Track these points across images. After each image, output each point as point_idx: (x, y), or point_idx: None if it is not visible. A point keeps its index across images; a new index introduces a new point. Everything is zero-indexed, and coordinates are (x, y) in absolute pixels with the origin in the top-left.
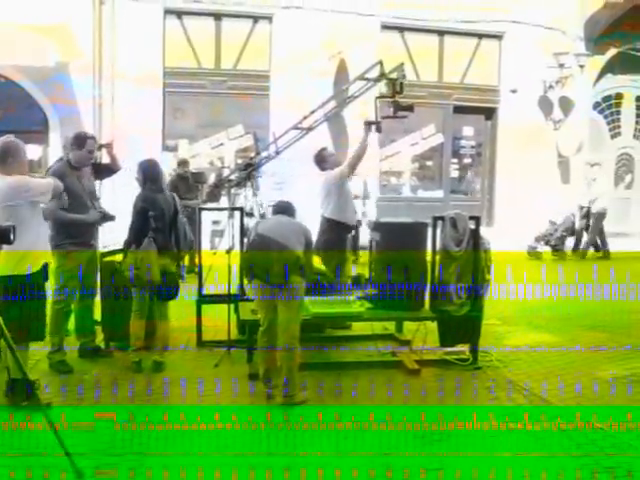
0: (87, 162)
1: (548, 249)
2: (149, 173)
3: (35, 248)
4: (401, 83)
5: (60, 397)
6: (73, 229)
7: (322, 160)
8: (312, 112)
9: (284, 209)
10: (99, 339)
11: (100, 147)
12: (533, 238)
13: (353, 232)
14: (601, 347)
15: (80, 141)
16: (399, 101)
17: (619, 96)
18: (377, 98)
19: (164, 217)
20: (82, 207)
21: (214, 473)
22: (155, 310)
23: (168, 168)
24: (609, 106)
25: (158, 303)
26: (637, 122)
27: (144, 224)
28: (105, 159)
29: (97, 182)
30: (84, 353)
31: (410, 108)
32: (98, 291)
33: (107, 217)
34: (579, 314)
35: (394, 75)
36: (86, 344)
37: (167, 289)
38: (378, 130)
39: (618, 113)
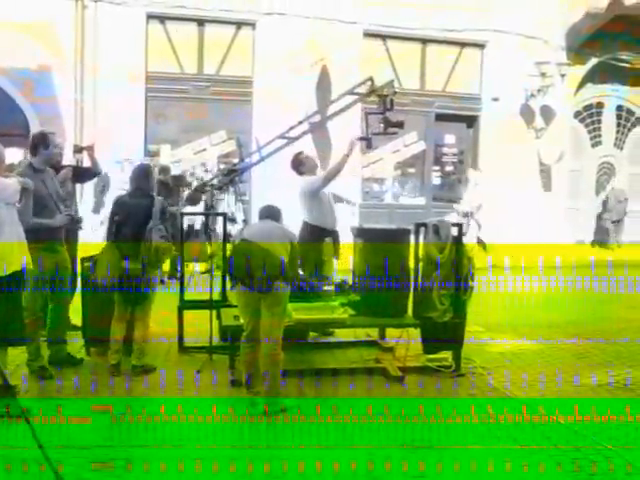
0: (54, 159)
1: None
2: (132, 176)
3: (12, 249)
4: (392, 100)
5: (38, 403)
6: (36, 234)
7: (299, 164)
8: (300, 122)
9: (269, 214)
10: (79, 345)
11: (81, 150)
12: None
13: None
14: (585, 354)
15: (40, 140)
16: (389, 117)
17: (600, 105)
18: (367, 114)
19: (128, 222)
20: (47, 211)
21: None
22: (134, 313)
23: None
24: (590, 115)
25: (137, 307)
26: (617, 131)
27: (110, 227)
28: (86, 162)
29: (78, 185)
30: (55, 360)
31: (400, 124)
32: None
33: (75, 220)
34: (565, 321)
35: (385, 91)
36: (58, 352)
37: (132, 295)
38: (369, 146)
39: (599, 122)
